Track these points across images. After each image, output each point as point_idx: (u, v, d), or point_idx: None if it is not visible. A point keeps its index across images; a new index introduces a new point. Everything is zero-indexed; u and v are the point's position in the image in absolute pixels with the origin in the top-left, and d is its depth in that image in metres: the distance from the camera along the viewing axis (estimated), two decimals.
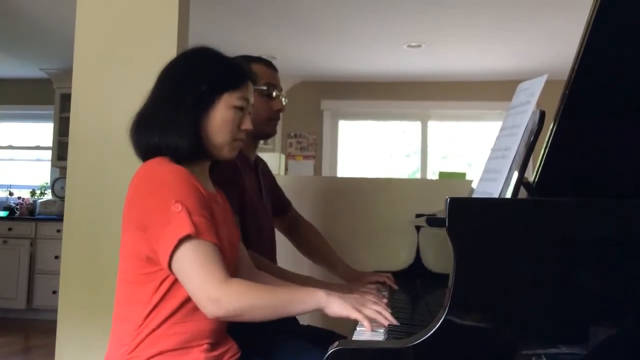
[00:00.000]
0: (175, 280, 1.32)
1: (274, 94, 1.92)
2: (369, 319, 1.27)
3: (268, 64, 1.97)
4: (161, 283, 1.33)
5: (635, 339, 1.09)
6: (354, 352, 1.12)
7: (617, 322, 1.10)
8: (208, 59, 1.48)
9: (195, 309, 1.32)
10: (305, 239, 2.17)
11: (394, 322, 1.30)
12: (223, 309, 1.25)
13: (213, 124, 1.42)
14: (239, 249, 1.55)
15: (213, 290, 1.25)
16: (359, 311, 1.28)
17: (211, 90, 1.43)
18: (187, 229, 1.25)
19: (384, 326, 1.29)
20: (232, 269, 1.42)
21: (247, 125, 1.48)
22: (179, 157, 1.38)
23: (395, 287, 1.88)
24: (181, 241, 1.26)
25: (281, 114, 1.98)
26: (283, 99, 1.97)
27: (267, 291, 1.32)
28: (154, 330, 1.33)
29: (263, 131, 1.94)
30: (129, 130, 1.45)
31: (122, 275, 1.41)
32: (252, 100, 1.50)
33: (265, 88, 1.90)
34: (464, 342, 1.10)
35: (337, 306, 1.28)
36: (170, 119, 1.40)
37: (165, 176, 1.33)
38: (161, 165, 1.36)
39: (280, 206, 2.14)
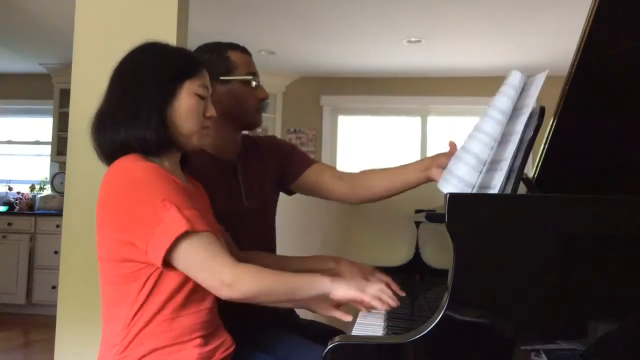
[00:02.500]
0: (160, 276, 1.31)
1: (255, 82, 1.79)
2: (375, 298, 1.30)
3: (243, 50, 1.84)
4: (146, 281, 1.32)
5: (634, 335, 1.09)
6: (354, 347, 1.12)
7: (616, 318, 1.10)
8: (162, 51, 1.48)
9: (183, 304, 1.33)
10: (359, 182, 1.85)
11: (393, 303, 1.32)
12: (237, 291, 1.27)
13: (179, 114, 1.41)
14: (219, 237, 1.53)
15: (226, 274, 1.26)
16: (363, 291, 1.30)
17: (172, 80, 1.41)
18: (183, 226, 1.25)
19: (390, 306, 1.31)
20: None
21: (211, 112, 1.47)
22: (149, 149, 1.37)
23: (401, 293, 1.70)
24: (179, 238, 1.26)
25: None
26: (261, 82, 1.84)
27: (277, 275, 1.32)
28: (142, 328, 1.32)
29: (250, 123, 1.81)
30: (90, 131, 1.43)
31: (105, 278, 1.39)
32: (209, 86, 1.48)
33: (249, 78, 1.77)
34: (463, 337, 1.10)
35: (341, 290, 1.30)
36: (135, 112, 1.38)
37: (143, 175, 1.31)
38: (134, 164, 1.33)
39: (294, 168, 1.90)
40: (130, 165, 1.34)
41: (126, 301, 1.33)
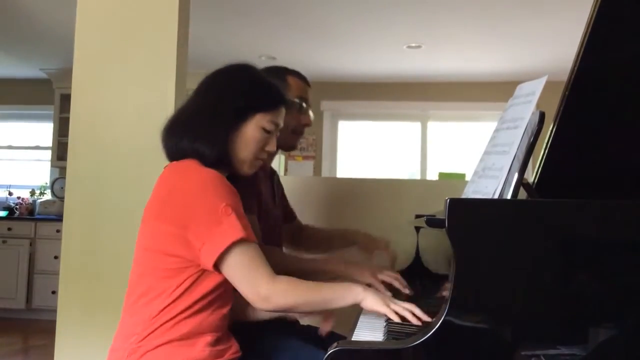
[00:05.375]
0: (198, 278, 1.38)
1: (304, 107, 1.97)
2: (397, 316, 1.32)
3: (303, 78, 2.02)
4: (186, 279, 1.38)
5: (634, 340, 1.09)
6: (354, 353, 1.12)
7: (616, 323, 1.10)
8: (250, 77, 1.56)
9: (209, 304, 1.39)
10: (313, 233, 2.20)
11: (426, 318, 1.31)
12: (272, 304, 1.35)
13: (241, 140, 1.50)
14: None
15: (263, 288, 1.34)
16: (388, 307, 1.34)
17: (247, 107, 1.50)
18: (240, 232, 1.33)
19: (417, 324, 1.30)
20: None
21: (272, 147, 1.56)
22: (203, 163, 1.44)
23: (407, 291, 1.76)
24: (233, 244, 1.33)
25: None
26: (311, 114, 2.02)
27: (311, 287, 1.39)
28: (166, 321, 1.37)
29: (285, 142, 1.96)
30: (162, 131, 1.53)
31: (142, 269, 1.44)
32: (281, 124, 1.57)
33: (297, 101, 1.95)
34: (463, 342, 1.10)
35: (371, 300, 1.35)
36: (204, 127, 1.47)
37: (211, 179, 1.39)
38: (202, 168, 1.42)
39: (288, 214, 2.17)
40: (198, 168, 1.43)
41: (160, 294, 1.39)
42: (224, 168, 1.51)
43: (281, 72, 1.99)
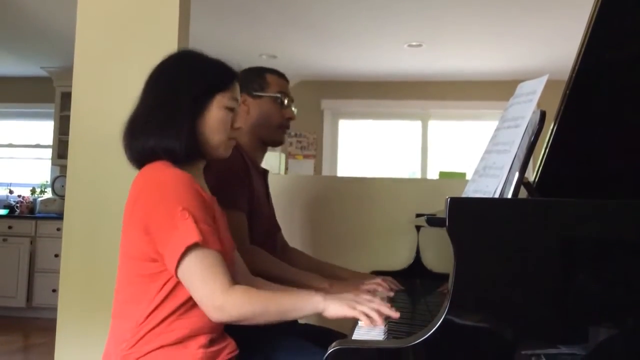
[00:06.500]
0: (178, 281, 1.34)
1: (286, 102, 1.99)
2: (365, 315, 1.30)
3: (281, 75, 2.04)
4: (165, 283, 1.35)
5: (635, 340, 1.09)
6: (354, 352, 1.12)
7: (616, 323, 1.10)
8: (197, 62, 1.52)
9: (196, 306, 1.35)
10: (295, 262, 2.02)
11: (394, 315, 1.32)
12: (227, 315, 1.30)
13: (209, 126, 1.46)
14: (235, 253, 1.57)
15: (217, 298, 1.29)
16: (354, 308, 1.31)
17: (204, 93, 1.46)
18: (195, 236, 1.29)
19: (381, 322, 1.30)
20: (232, 273, 1.44)
21: (239, 123, 1.53)
22: (176, 159, 1.41)
23: (399, 287, 1.87)
24: (188, 249, 1.29)
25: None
26: (294, 108, 2.03)
27: (268, 298, 1.35)
28: (154, 327, 1.35)
29: (272, 138, 2.00)
30: (122, 136, 1.48)
31: (124, 275, 1.42)
32: (240, 99, 1.54)
33: (278, 96, 1.97)
34: (463, 341, 1.10)
35: (333, 308, 1.32)
36: (167, 122, 1.42)
37: (171, 181, 1.35)
38: (165, 170, 1.38)
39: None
40: (164, 171, 1.38)
41: (142, 300, 1.36)
42: (199, 159, 1.49)
43: (260, 71, 2.01)
